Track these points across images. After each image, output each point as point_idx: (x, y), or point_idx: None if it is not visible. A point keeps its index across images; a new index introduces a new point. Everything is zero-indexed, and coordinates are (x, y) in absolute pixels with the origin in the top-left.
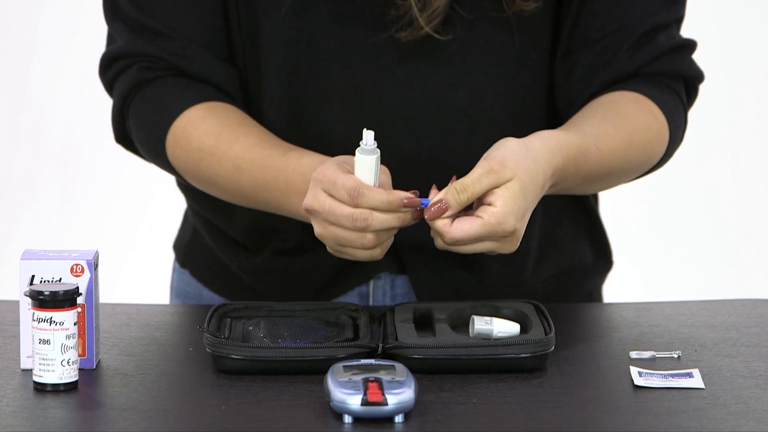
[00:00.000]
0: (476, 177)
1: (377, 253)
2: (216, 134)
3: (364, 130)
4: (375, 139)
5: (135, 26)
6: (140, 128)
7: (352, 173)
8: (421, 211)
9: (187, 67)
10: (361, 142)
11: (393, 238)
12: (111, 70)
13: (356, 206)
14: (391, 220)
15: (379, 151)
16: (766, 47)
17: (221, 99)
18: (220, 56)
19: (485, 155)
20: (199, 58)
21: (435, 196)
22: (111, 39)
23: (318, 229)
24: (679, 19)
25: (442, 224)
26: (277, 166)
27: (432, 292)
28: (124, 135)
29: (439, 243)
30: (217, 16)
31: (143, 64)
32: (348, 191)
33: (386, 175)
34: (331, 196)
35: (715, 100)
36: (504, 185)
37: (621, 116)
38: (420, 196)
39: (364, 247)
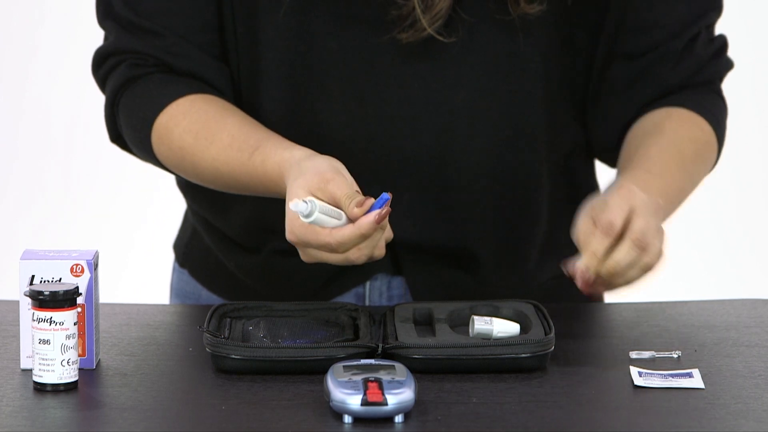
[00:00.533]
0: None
1: (377, 255)
2: (194, 132)
3: (289, 205)
4: (375, 138)
5: (126, 25)
6: (128, 125)
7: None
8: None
9: (177, 63)
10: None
11: (381, 246)
12: (102, 67)
13: (342, 252)
14: (376, 238)
15: (316, 205)
16: (765, 47)
17: (207, 92)
18: (212, 55)
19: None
20: (190, 55)
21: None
22: (106, 39)
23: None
24: (710, 25)
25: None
26: (248, 171)
27: (428, 293)
28: (117, 134)
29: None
30: (210, 16)
31: (133, 61)
32: (328, 249)
33: (339, 177)
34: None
35: None
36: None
37: (666, 138)
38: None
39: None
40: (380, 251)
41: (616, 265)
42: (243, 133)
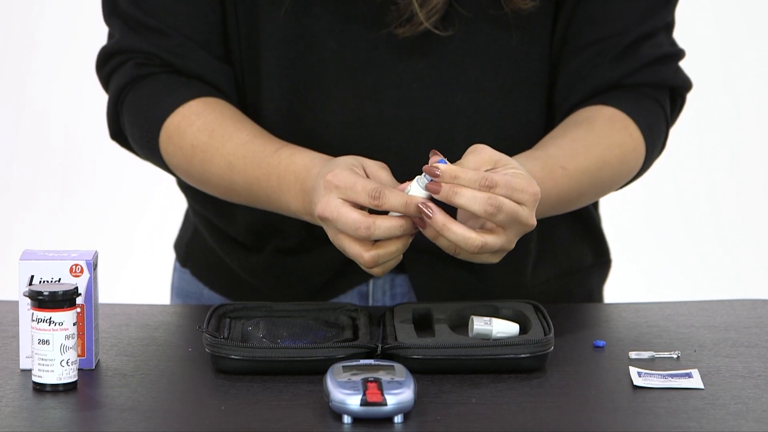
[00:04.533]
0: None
1: (377, 271)
2: (209, 131)
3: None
4: (375, 138)
5: (132, 23)
6: (133, 124)
7: (366, 177)
8: (422, 221)
9: (182, 65)
10: (423, 175)
11: (399, 259)
12: (107, 66)
13: (375, 206)
14: (393, 228)
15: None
16: (765, 47)
17: (215, 95)
18: (216, 55)
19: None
20: (195, 56)
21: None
22: (110, 36)
23: (330, 235)
24: (667, 25)
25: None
26: (269, 162)
27: (431, 291)
28: (118, 131)
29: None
30: (214, 15)
31: (138, 60)
32: (369, 192)
33: (386, 170)
34: (345, 201)
35: (715, 100)
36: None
37: (594, 134)
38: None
39: (363, 263)
40: (381, 270)
41: (462, 193)
42: (265, 133)
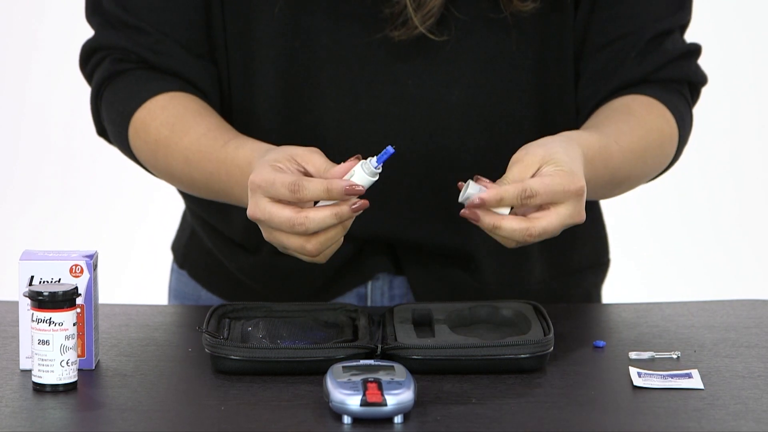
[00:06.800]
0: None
1: (320, 259)
2: (170, 125)
3: (389, 146)
4: (370, 135)
5: (112, 20)
6: (108, 120)
7: (286, 172)
8: (363, 202)
9: (159, 62)
10: (369, 159)
11: (340, 242)
12: (89, 63)
13: (298, 200)
14: (327, 218)
15: (378, 176)
16: (765, 47)
17: (187, 90)
18: (198, 53)
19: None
20: (172, 53)
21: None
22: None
23: (264, 234)
24: (683, 25)
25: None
26: (218, 157)
27: (430, 292)
28: (102, 128)
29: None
30: (197, 13)
31: (116, 56)
32: (288, 187)
33: (318, 154)
34: (270, 199)
35: (715, 100)
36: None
37: (635, 118)
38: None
39: (307, 254)
40: (323, 257)
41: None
42: (221, 126)
